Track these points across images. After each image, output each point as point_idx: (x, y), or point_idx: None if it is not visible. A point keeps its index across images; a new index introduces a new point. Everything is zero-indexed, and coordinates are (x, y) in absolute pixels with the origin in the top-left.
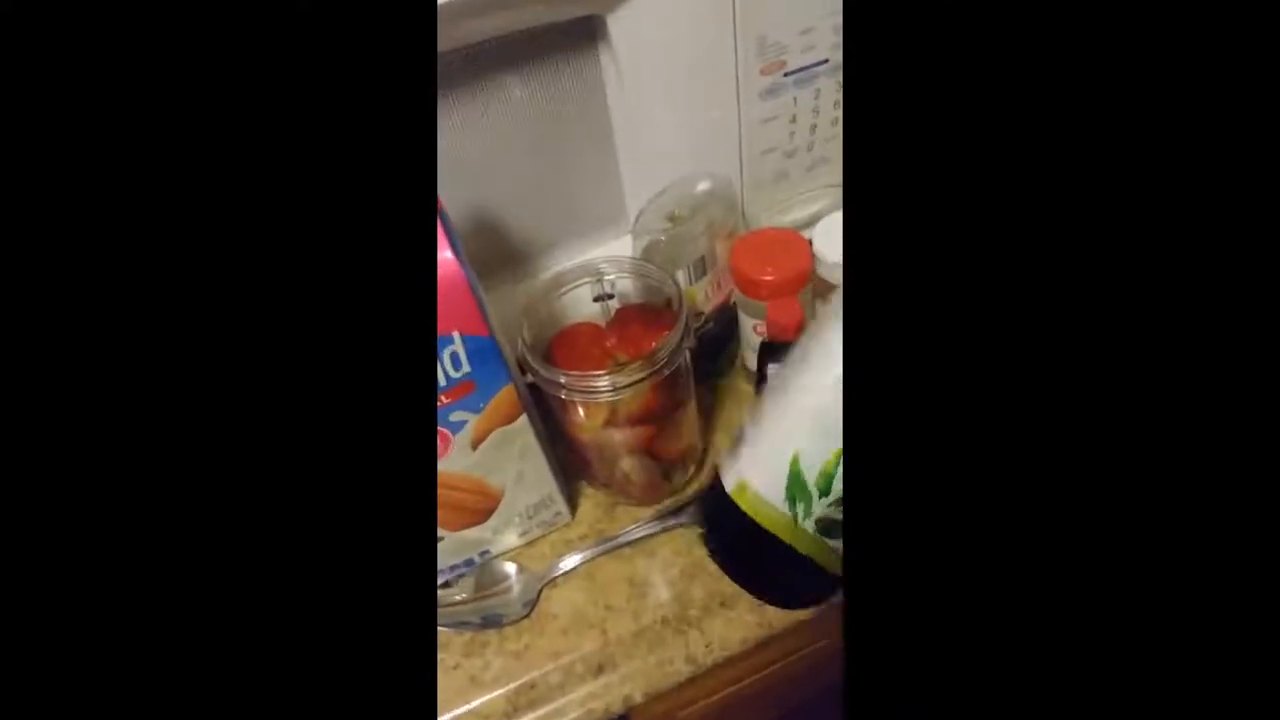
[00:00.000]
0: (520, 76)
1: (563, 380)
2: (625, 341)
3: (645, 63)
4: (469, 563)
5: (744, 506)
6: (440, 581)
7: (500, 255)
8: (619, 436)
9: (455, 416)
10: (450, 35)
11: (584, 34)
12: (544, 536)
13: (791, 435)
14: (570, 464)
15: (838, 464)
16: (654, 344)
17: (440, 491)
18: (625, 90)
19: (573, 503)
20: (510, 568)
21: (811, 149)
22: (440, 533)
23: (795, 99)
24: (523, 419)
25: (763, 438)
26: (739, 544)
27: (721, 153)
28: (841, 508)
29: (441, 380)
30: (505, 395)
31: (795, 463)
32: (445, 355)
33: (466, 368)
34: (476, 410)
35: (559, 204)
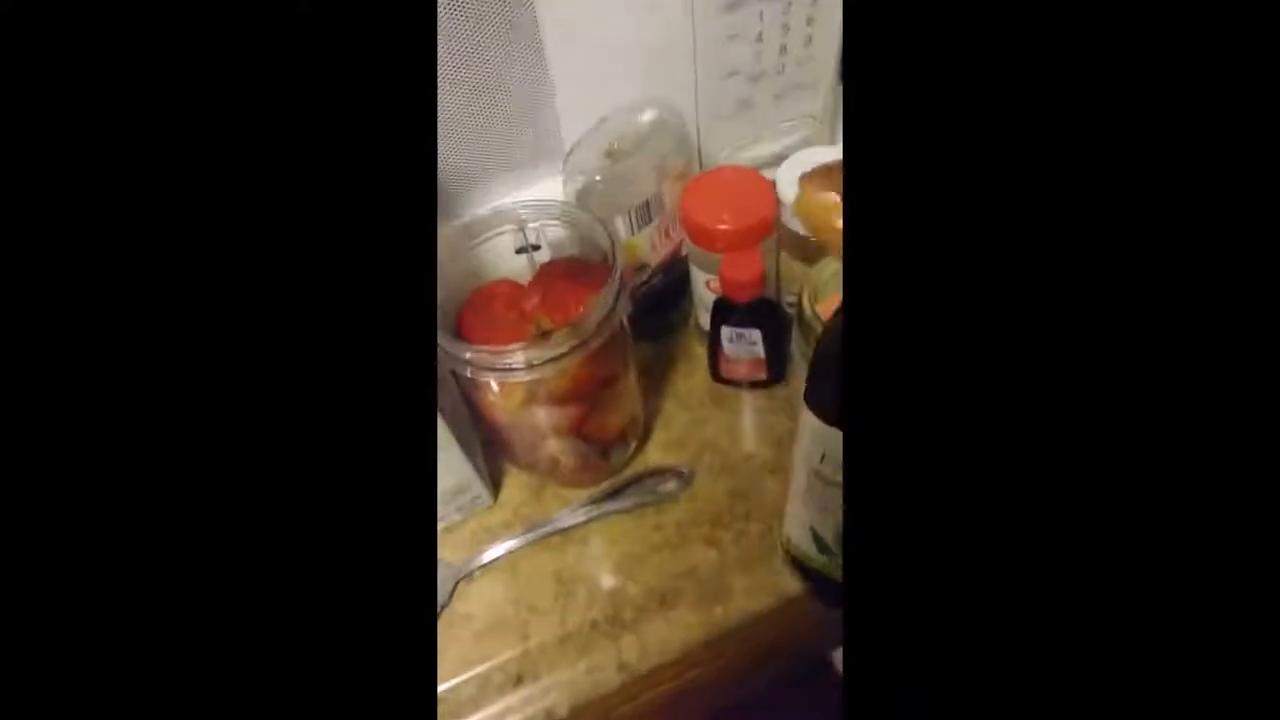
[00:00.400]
0: None
1: (468, 356)
2: (550, 304)
3: None
4: None
5: (793, 553)
6: None
7: None
8: (542, 417)
9: None
10: None
11: None
12: (462, 522)
13: (801, 509)
14: (492, 440)
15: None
16: (585, 306)
17: None
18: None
19: (495, 482)
20: None
21: (782, 72)
22: None
23: (762, 13)
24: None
25: (788, 501)
26: None
27: (673, 75)
28: None
29: None
30: None
31: (814, 531)
32: None
33: None
34: None
35: (477, 131)
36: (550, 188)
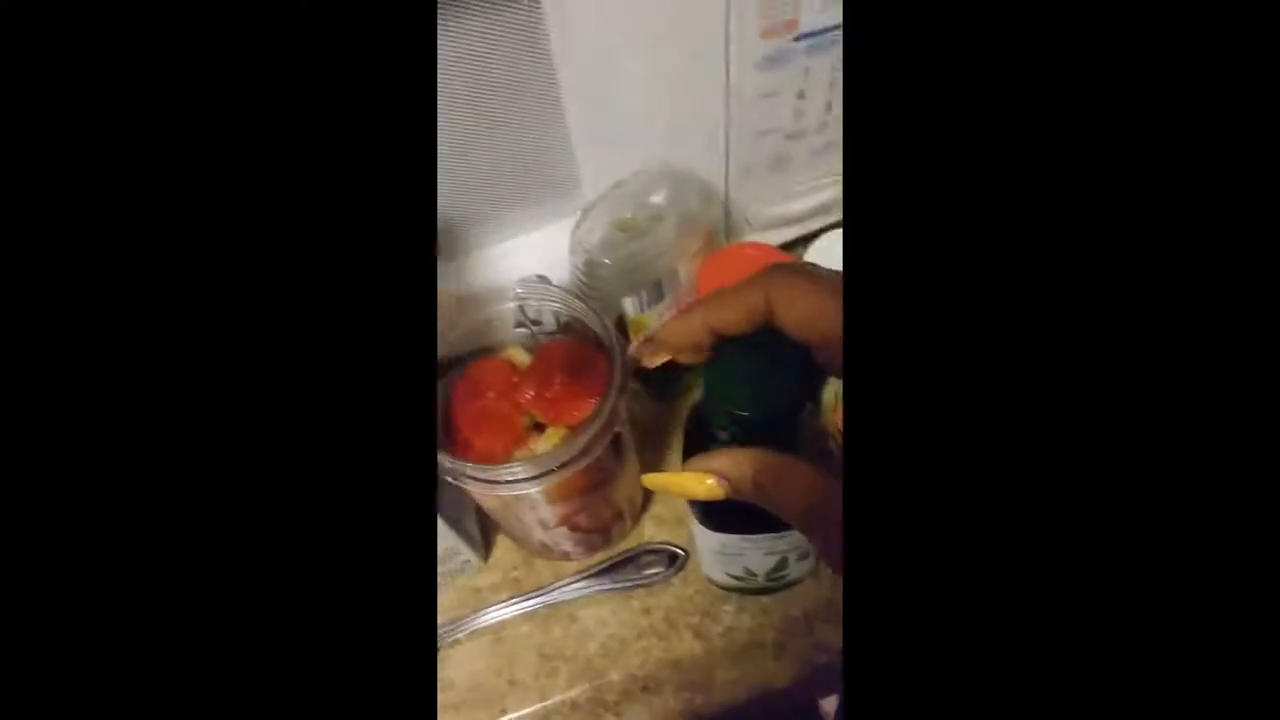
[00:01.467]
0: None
1: (449, 465)
2: (544, 399)
3: (599, 7)
4: None
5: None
6: None
7: None
8: (530, 516)
9: None
10: None
11: None
12: (450, 581)
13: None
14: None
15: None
16: (578, 410)
17: None
18: (571, 36)
19: (486, 542)
20: None
21: (823, 130)
22: None
23: (808, 70)
24: None
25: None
26: None
27: (701, 133)
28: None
29: None
30: None
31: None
32: None
33: None
34: None
35: (492, 166)
36: (563, 231)
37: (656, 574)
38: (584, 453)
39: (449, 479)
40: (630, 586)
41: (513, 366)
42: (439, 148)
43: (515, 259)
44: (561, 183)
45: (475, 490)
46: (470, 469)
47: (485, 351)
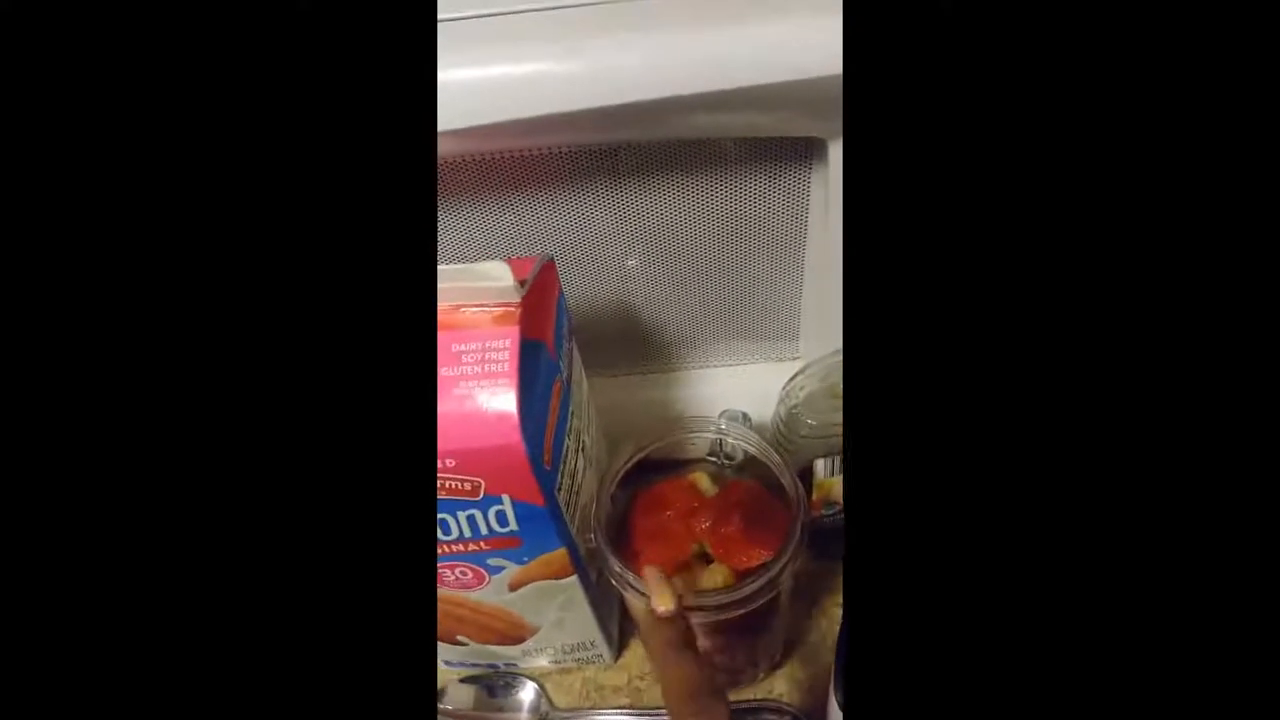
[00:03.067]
0: (726, 176)
1: (617, 569)
2: (720, 533)
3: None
4: (492, 665)
5: None
6: (450, 676)
7: (647, 344)
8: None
9: (494, 561)
10: (666, 126)
11: (802, 154)
12: (576, 669)
13: None
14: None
15: None
16: (747, 556)
17: (464, 612)
18: (830, 224)
19: (621, 642)
20: (527, 694)
21: None
22: (462, 639)
23: None
24: (573, 579)
25: None
26: None
27: None
28: None
29: (481, 529)
30: (557, 556)
31: None
32: (490, 512)
33: (514, 526)
34: (520, 562)
35: (723, 304)
36: (773, 373)
37: None
38: (744, 601)
39: (613, 581)
40: None
41: (696, 491)
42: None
43: (722, 386)
44: (782, 333)
45: (631, 598)
46: (634, 580)
47: (674, 467)
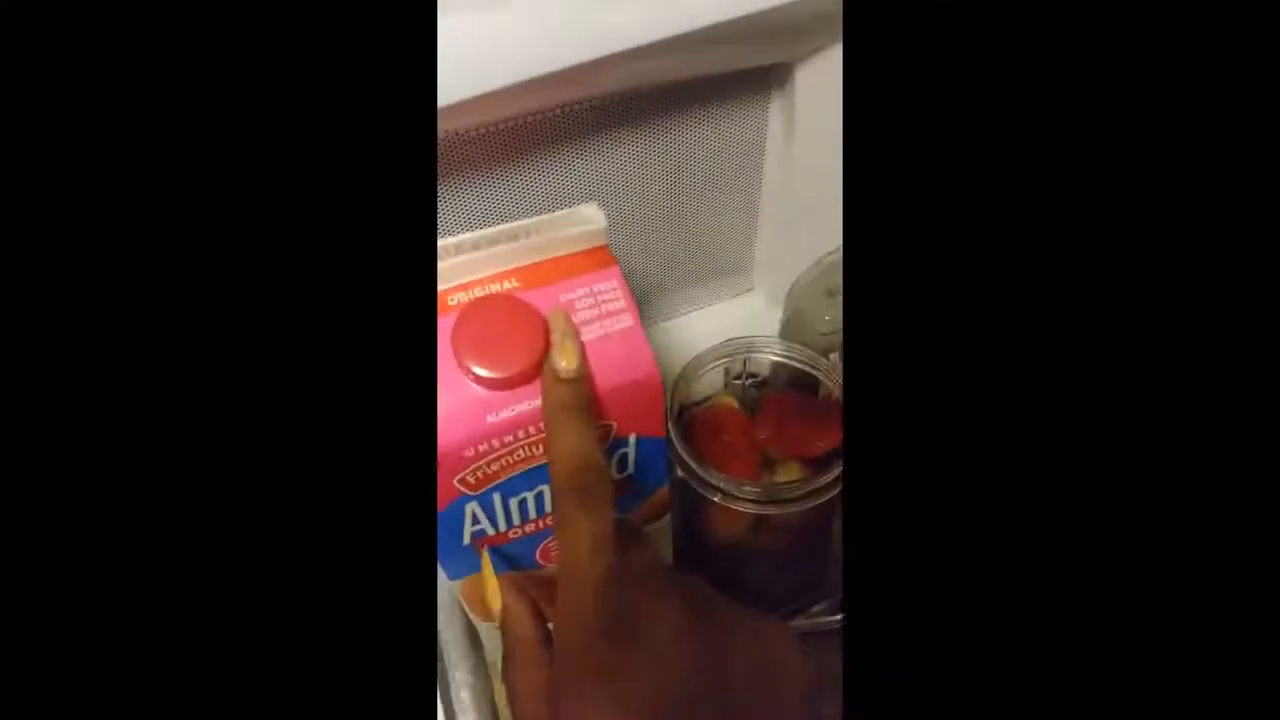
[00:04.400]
0: (680, 119)
1: (722, 485)
2: (785, 437)
3: (823, 126)
4: None
5: None
6: None
7: None
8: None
9: None
10: (629, 74)
11: (758, 84)
12: None
13: None
14: None
15: None
16: (811, 449)
17: None
18: (793, 150)
19: None
20: None
21: None
22: None
23: None
24: (665, 519)
25: None
26: None
27: None
28: None
29: None
30: (658, 496)
31: None
32: (614, 459)
33: (631, 470)
34: (628, 509)
35: (682, 249)
36: (741, 301)
37: None
38: (825, 489)
39: (715, 498)
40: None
41: (739, 412)
42: (648, 229)
43: (693, 331)
44: (736, 267)
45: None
46: (724, 482)
47: (704, 403)
